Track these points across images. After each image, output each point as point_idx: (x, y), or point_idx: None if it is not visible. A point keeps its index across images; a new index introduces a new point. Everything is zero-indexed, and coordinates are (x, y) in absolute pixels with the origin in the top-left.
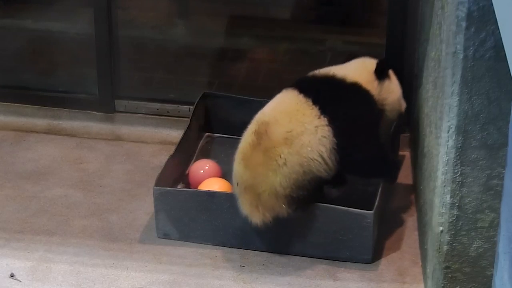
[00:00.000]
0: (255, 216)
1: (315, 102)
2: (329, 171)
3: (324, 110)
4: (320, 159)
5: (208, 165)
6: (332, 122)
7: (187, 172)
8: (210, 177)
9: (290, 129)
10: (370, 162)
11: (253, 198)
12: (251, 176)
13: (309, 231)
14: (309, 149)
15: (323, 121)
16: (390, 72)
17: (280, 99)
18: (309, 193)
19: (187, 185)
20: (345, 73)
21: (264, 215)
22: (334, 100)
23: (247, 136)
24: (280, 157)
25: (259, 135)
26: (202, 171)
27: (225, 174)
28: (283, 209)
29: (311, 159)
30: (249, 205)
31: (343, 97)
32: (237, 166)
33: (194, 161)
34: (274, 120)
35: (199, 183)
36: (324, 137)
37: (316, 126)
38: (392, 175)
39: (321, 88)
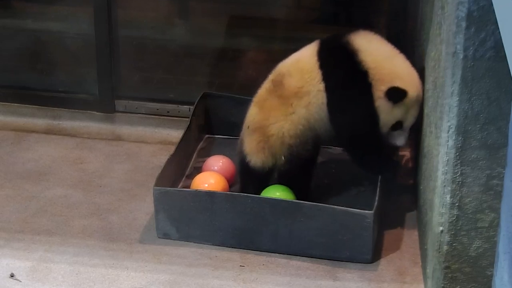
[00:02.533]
0: (259, 157)
1: (321, 67)
2: (331, 135)
3: (324, 76)
4: (322, 122)
5: (221, 161)
6: (327, 91)
7: (185, 169)
8: (223, 173)
9: (301, 85)
10: (362, 149)
11: (262, 139)
12: (264, 118)
13: (309, 231)
14: (314, 109)
15: (322, 86)
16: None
17: (302, 53)
18: (308, 153)
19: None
20: (366, 54)
21: (267, 158)
22: (335, 71)
23: (265, 83)
24: (292, 105)
25: (276, 83)
26: (215, 168)
27: None
28: (281, 160)
29: (316, 118)
30: (256, 145)
31: (343, 73)
32: (251, 109)
33: (194, 161)
34: (289, 73)
35: None
36: (323, 103)
37: (319, 90)
38: (389, 172)
39: (332, 55)
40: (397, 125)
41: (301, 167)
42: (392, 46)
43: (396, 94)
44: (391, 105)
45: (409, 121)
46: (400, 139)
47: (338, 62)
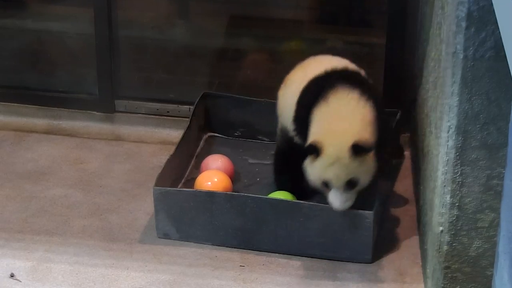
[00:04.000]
0: None
1: (297, 103)
2: (296, 137)
3: (294, 116)
4: (288, 120)
5: (220, 160)
6: (298, 102)
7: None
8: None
9: (290, 77)
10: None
11: None
12: None
13: (309, 231)
14: (285, 103)
15: (291, 119)
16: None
17: (322, 61)
18: (283, 145)
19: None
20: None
21: None
22: (299, 119)
23: None
24: (279, 92)
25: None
26: (214, 167)
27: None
28: None
29: (284, 112)
30: None
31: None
32: None
33: (195, 161)
34: (297, 68)
35: None
36: (293, 104)
37: (297, 93)
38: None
39: (308, 101)
40: (325, 184)
41: (284, 162)
42: (359, 104)
43: (308, 151)
44: (307, 163)
45: (335, 182)
46: (332, 200)
47: (302, 115)
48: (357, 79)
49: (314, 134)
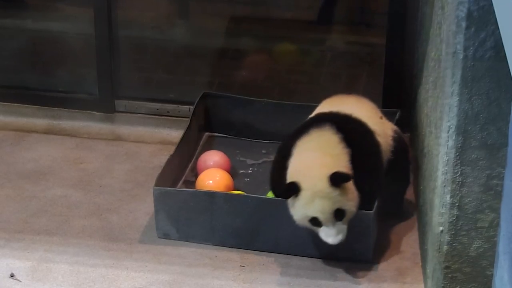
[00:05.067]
0: None
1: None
2: None
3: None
4: None
5: (218, 156)
6: None
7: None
8: (219, 168)
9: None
10: None
11: None
12: None
13: (309, 231)
14: None
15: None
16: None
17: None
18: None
19: (196, 175)
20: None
21: None
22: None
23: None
24: None
25: None
26: (211, 163)
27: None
28: None
29: None
30: None
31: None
32: None
33: (195, 161)
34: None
35: None
36: None
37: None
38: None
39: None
40: (313, 222)
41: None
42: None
43: (287, 191)
44: (290, 205)
45: (321, 217)
46: (324, 235)
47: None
48: (341, 121)
49: (291, 173)
